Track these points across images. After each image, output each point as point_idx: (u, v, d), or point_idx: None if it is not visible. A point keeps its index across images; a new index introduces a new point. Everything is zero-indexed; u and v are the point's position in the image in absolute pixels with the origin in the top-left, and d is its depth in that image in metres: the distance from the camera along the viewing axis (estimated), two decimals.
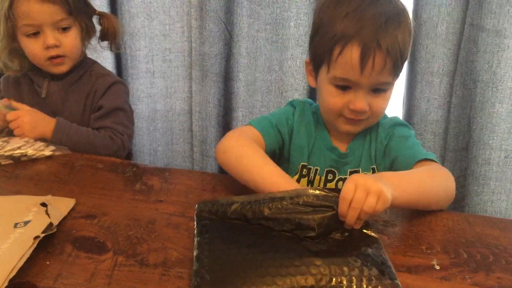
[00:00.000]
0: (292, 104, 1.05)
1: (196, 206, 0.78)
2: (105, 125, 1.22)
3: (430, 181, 0.84)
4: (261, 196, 0.76)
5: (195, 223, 0.75)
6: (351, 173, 1.00)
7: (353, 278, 0.63)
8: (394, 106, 1.43)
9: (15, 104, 1.15)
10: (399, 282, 0.64)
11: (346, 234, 0.72)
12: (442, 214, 0.84)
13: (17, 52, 1.21)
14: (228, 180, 0.95)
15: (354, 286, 0.62)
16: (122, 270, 0.67)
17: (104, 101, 1.24)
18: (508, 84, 1.35)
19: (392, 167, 0.97)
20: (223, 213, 0.75)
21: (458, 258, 0.72)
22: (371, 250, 0.69)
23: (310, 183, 1.01)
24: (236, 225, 0.74)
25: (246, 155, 0.90)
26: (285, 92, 1.55)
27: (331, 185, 1.00)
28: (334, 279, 0.63)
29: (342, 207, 0.71)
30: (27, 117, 1.11)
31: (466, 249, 0.75)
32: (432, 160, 0.91)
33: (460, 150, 1.46)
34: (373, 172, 1.00)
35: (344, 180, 1.00)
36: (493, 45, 1.33)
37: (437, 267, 0.70)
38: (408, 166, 0.92)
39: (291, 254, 0.67)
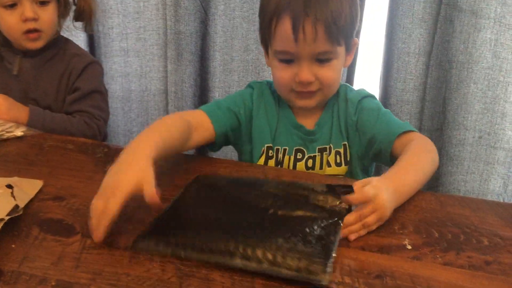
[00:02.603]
0: (250, 85, 1.06)
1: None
2: (82, 109, 1.20)
3: (422, 166, 0.85)
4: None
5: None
6: (319, 150, 1.00)
7: (278, 250, 0.64)
8: (371, 86, 1.43)
9: None
10: (330, 269, 0.62)
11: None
12: (416, 195, 0.84)
13: None
14: (202, 161, 0.94)
15: (270, 256, 0.63)
16: (90, 253, 0.66)
17: (80, 83, 1.21)
18: (483, 65, 1.36)
19: (371, 145, 0.97)
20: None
21: (430, 238, 0.73)
22: (323, 232, 0.69)
23: (279, 164, 1.00)
24: (214, 197, 0.78)
25: None
26: (262, 72, 1.53)
27: (301, 164, 1.00)
28: (259, 251, 0.64)
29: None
30: (1, 99, 1.08)
31: (438, 229, 0.75)
32: (411, 131, 0.93)
33: (435, 131, 1.47)
34: (345, 149, 1.00)
35: (313, 158, 1.00)
36: (469, 25, 1.33)
37: (409, 247, 0.70)
38: (389, 143, 0.93)
39: (242, 223, 0.71)
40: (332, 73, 0.93)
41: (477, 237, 0.74)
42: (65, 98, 1.22)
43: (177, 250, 0.65)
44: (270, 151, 1.00)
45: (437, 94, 1.43)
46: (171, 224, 0.71)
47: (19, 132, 1.01)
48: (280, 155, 0.99)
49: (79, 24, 1.29)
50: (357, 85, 1.52)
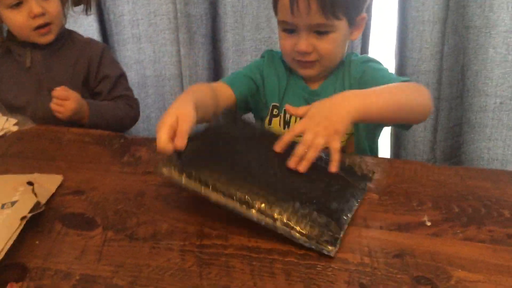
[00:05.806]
0: (262, 54, 1.12)
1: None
2: (119, 94, 1.26)
3: (400, 93, 0.86)
4: None
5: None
6: None
7: (293, 214, 0.67)
8: (386, 57, 1.40)
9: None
10: (339, 243, 0.65)
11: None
12: (434, 169, 0.83)
13: None
14: None
15: (285, 218, 0.66)
16: (112, 246, 0.67)
17: (106, 70, 1.26)
18: (501, 28, 1.31)
19: None
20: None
21: (450, 213, 0.72)
22: (339, 204, 0.71)
23: (286, 123, 1.03)
24: (238, 137, 0.80)
25: None
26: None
27: None
28: (276, 209, 0.67)
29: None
30: (73, 104, 1.11)
31: (458, 203, 0.74)
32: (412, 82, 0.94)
33: (455, 99, 1.44)
34: None
35: None
36: None
37: (428, 224, 0.70)
38: None
39: (266, 172, 0.73)
40: (329, 45, 0.96)
41: (498, 209, 0.73)
42: (80, 84, 1.23)
43: (198, 185, 0.68)
44: (275, 110, 1.04)
45: (454, 61, 1.39)
46: (196, 157, 0.73)
47: (13, 128, 1.04)
48: (288, 115, 1.03)
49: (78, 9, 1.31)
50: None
